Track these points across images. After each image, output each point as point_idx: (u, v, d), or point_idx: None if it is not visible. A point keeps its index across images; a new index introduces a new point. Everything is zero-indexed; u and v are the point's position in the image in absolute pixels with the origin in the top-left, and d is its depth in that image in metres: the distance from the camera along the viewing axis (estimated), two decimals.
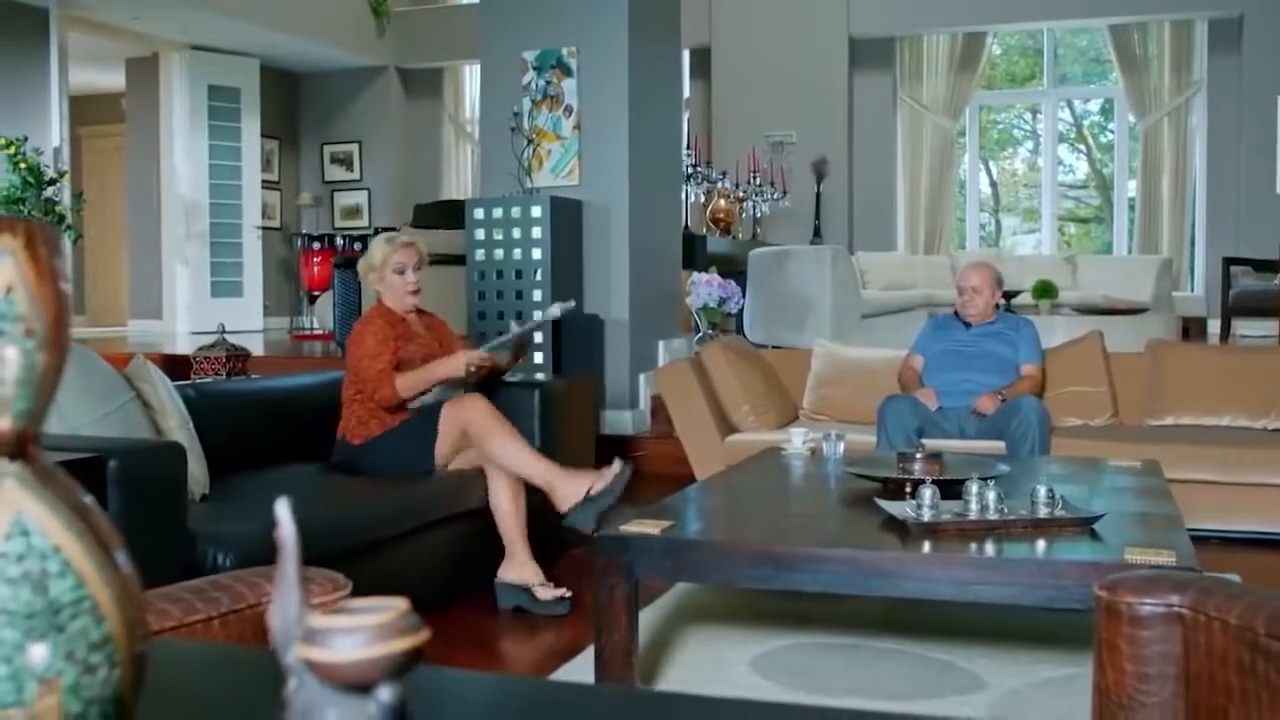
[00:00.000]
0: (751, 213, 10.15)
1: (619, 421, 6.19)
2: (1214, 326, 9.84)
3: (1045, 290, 8.09)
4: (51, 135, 9.43)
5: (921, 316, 7.29)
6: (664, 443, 5.66)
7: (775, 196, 10.19)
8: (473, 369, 3.70)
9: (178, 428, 3.10)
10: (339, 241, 11.14)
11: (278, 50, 11.53)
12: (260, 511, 0.74)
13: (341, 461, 3.76)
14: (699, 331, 7.00)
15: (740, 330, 7.63)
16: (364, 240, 10.74)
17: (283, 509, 0.64)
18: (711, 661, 2.99)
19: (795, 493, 3.53)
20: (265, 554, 0.69)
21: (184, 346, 8.12)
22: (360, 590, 1.23)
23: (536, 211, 5.96)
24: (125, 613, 0.68)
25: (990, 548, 2.55)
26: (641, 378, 6.38)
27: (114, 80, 11.83)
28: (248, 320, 11.22)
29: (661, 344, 6.61)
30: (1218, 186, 10.80)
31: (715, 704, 1.00)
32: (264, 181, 11.91)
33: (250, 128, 11.57)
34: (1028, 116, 13.84)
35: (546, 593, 3.50)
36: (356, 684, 0.61)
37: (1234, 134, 10.54)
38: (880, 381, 5.02)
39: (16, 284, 0.67)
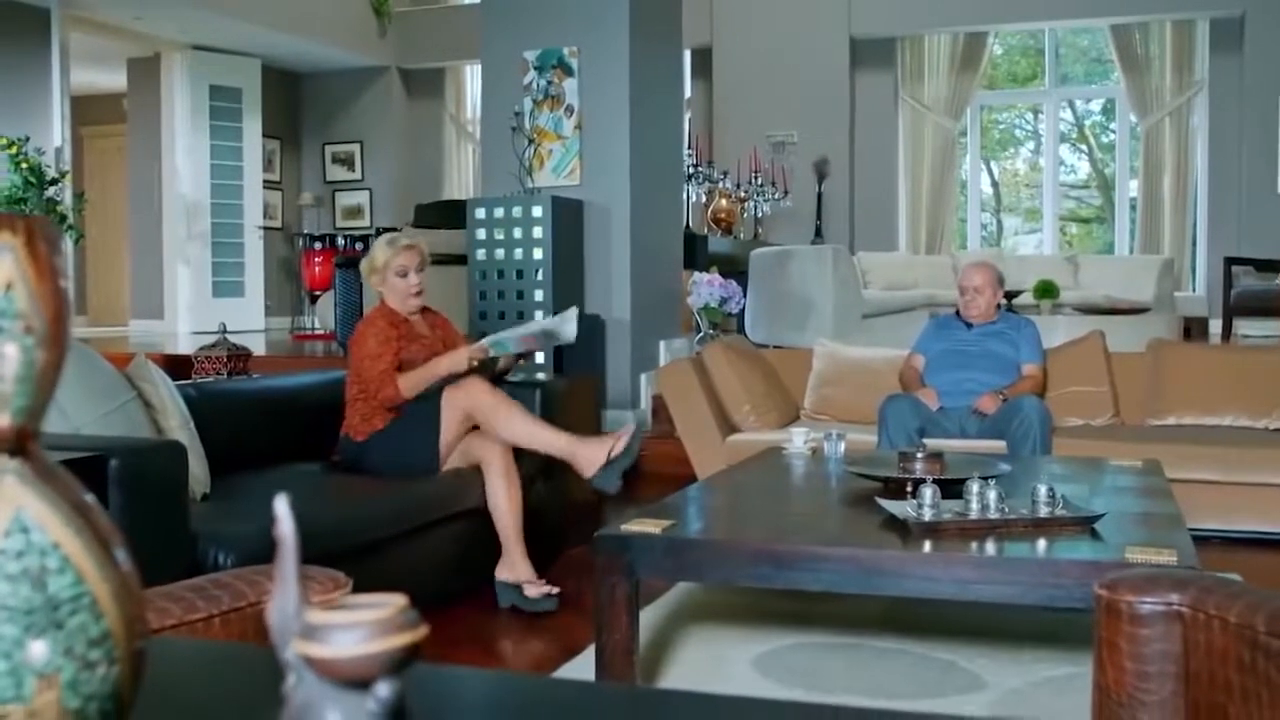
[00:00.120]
0: (753, 213, 10.15)
1: (620, 421, 6.17)
2: (1215, 326, 9.84)
3: (1047, 290, 8.09)
4: (53, 135, 9.44)
5: (923, 316, 7.29)
6: (665, 442, 5.66)
7: (776, 196, 10.19)
8: (475, 363, 3.70)
9: (179, 427, 3.11)
10: (340, 241, 11.15)
11: (279, 50, 11.53)
12: (261, 511, 0.74)
13: (345, 459, 3.76)
14: (700, 331, 7.00)
15: (741, 330, 7.63)
16: (365, 240, 10.76)
17: (281, 505, 0.64)
18: (712, 661, 2.99)
19: (796, 492, 3.53)
20: (266, 553, 0.69)
21: (185, 346, 8.12)
22: (361, 589, 1.23)
23: (538, 211, 5.96)
24: (124, 609, 0.68)
25: (991, 547, 2.55)
26: (643, 377, 6.38)
27: (115, 80, 11.83)
28: (249, 320, 11.23)
29: (663, 344, 6.61)
30: (1219, 186, 10.80)
31: (716, 701, 1.00)
32: (265, 181, 11.91)
33: (252, 128, 11.58)
34: (1029, 116, 13.84)
35: (534, 590, 3.51)
36: (354, 680, 0.61)
37: (1236, 134, 10.54)
38: (881, 381, 5.02)
39: (16, 281, 0.67)
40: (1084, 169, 13.83)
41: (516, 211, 6.00)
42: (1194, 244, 11.15)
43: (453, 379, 3.69)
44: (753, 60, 11.45)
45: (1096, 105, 13.35)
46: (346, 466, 3.75)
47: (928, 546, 2.55)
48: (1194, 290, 11.00)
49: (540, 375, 5.67)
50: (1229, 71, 10.63)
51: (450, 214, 8.00)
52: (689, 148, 8.47)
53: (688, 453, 5.08)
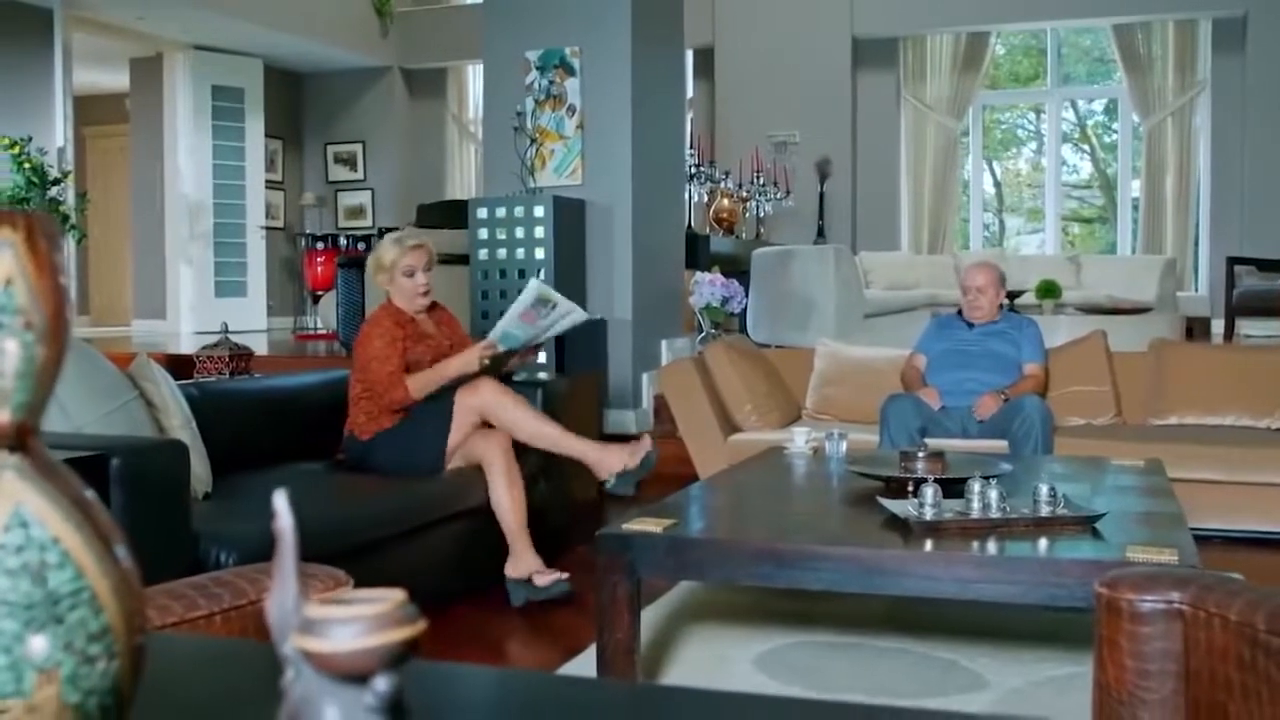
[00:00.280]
0: (755, 212, 10.15)
1: (622, 421, 6.19)
2: (1218, 326, 9.84)
3: (1049, 290, 8.09)
4: (56, 135, 9.45)
5: (925, 316, 7.28)
6: (667, 442, 5.64)
7: (778, 196, 10.19)
8: (485, 361, 3.70)
9: (180, 426, 3.11)
10: (342, 241, 11.16)
11: (281, 50, 11.54)
12: (263, 510, 0.74)
13: (350, 458, 3.76)
14: (702, 331, 7.00)
15: (743, 330, 7.63)
16: (367, 240, 10.77)
17: (280, 500, 0.64)
18: (714, 660, 2.99)
19: (798, 492, 3.53)
20: (267, 553, 0.69)
21: (187, 346, 8.13)
22: (362, 589, 1.23)
23: (539, 211, 5.96)
24: (124, 604, 0.68)
25: (992, 546, 2.55)
26: (644, 377, 6.38)
27: (118, 80, 11.84)
28: (251, 320, 11.23)
29: (664, 343, 6.61)
30: (1222, 186, 10.79)
31: (718, 698, 1.00)
32: (268, 181, 11.92)
33: (254, 128, 11.59)
34: (1031, 116, 13.84)
35: (544, 578, 3.52)
36: (353, 674, 0.62)
37: (1238, 134, 10.53)
38: (883, 381, 5.02)
39: (16, 277, 0.67)
40: (1086, 169, 13.82)
41: (518, 211, 6.01)
42: (1196, 244, 11.14)
43: (463, 379, 3.69)
44: (754, 60, 11.45)
45: (1099, 105, 13.34)
46: (351, 465, 3.75)
47: (929, 546, 2.55)
48: (1196, 290, 10.99)
49: (542, 375, 5.67)
50: (1231, 71, 10.62)
51: (452, 214, 8.00)
52: (691, 147, 8.47)
53: (689, 452, 5.08)
